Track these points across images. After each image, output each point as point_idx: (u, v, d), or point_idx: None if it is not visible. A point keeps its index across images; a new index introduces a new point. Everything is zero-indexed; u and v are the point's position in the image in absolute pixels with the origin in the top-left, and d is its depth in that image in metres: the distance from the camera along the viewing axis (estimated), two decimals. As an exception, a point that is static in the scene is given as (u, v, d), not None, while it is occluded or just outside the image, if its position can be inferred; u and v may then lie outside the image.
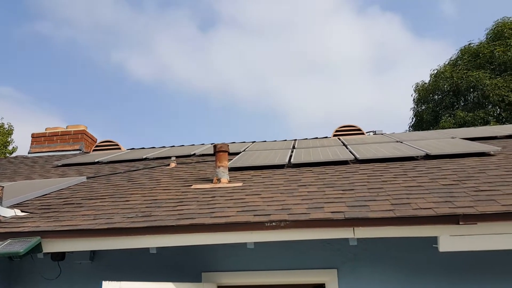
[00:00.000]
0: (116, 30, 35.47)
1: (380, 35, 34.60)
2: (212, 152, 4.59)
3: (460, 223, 2.74)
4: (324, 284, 3.37)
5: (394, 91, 35.38)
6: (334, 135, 8.80)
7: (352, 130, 8.74)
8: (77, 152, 8.95)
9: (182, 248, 3.37)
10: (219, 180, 4.38)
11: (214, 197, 3.79)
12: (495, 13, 32.36)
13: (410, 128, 18.21)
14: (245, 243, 3.00)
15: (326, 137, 8.81)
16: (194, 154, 7.19)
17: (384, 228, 2.86)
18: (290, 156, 5.96)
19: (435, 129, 14.35)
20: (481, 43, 16.26)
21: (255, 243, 3.00)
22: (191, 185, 4.46)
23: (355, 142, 7.17)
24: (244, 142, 8.86)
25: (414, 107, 18.13)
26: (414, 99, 18.11)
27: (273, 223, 2.82)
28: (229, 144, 8.45)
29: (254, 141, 8.80)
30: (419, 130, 16.57)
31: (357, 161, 5.53)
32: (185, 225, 2.93)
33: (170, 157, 6.53)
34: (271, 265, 3.38)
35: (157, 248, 3.19)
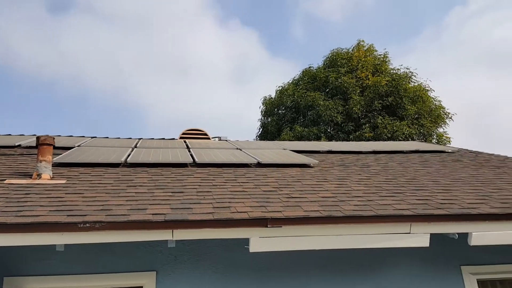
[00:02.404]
0: None
1: (240, 47, 36.27)
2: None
3: (268, 225, 3.03)
4: (142, 287, 3.34)
5: (248, 101, 37.42)
6: (181, 138, 8.86)
7: (198, 134, 8.94)
8: None
9: (-21, 251, 2.95)
10: (39, 176, 3.99)
11: (28, 194, 3.43)
12: (333, 42, 37.02)
13: (257, 137, 19.48)
14: (55, 245, 2.78)
15: (174, 138, 8.82)
16: (19, 145, 6.39)
17: (202, 230, 2.98)
18: (129, 155, 5.78)
19: (278, 140, 15.65)
20: (319, 68, 18.43)
21: (66, 245, 2.81)
22: (5, 180, 3.96)
23: (198, 146, 7.34)
24: (83, 136, 8.26)
25: (261, 119, 19.49)
26: (261, 111, 19.47)
27: (87, 224, 2.69)
28: (65, 138, 7.78)
29: (95, 137, 8.27)
30: (264, 140, 17.85)
31: (195, 164, 5.67)
32: (-19, 225, 2.58)
33: (-15, 147, 5.67)
34: (86, 268, 3.21)
35: None
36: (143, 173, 4.81)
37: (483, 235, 3.30)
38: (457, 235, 3.32)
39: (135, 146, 6.88)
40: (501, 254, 3.82)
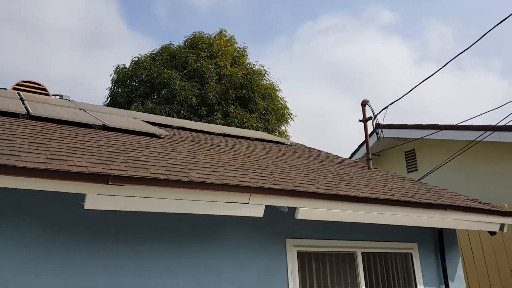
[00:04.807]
0: None
1: (96, 10, 33.08)
2: None
3: (109, 183, 2.86)
4: None
5: (96, 68, 34.52)
6: (14, 89, 7.69)
7: (36, 88, 7.88)
8: None
9: None
10: None
11: None
12: (196, 28, 37.02)
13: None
14: None
15: (5, 89, 7.60)
16: None
17: (32, 180, 2.65)
18: None
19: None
20: (179, 47, 18.17)
21: None
22: None
23: (35, 100, 6.50)
24: None
25: (111, 88, 18.28)
26: (112, 80, 18.26)
27: None
28: None
29: None
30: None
31: (29, 116, 5.01)
32: None
33: None
34: None
35: None
36: (-42, 115, 4.03)
37: (308, 210, 3.74)
38: (287, 209, 3.68)
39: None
40: (318, 230, 4.39)
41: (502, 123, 7.17)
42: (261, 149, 6.86)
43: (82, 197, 2.89)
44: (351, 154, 12.11)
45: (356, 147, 12.15)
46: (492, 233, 5.09)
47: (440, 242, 5.09)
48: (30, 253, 3.00)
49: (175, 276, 3.51)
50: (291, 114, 18.83)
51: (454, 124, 9.21)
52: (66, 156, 3.19)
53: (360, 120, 6.77)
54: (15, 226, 3.00)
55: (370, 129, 7.47)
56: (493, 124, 8.03)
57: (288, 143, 8.73)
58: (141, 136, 5.32)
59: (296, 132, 33.72)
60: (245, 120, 16.40)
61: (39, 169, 2.66)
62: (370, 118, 6.67)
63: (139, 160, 3.62)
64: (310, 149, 8.56)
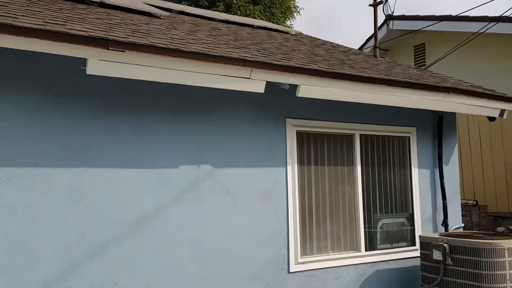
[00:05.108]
0: None
1: None
2: None
3: (110, 48, 2.83)
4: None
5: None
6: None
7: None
8: None
9: None
10: None
11: None
12: None
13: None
14: None
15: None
16: None
17: (31, 41, 2.62)
18: None
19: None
20: None
21: None
22: None
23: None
24: None
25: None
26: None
27: None
28: None
29: None
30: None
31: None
32: None
33: None
34: None
35: None
36: None
37: (309, 88, 3.74)
38: (288, 86, 3.68)
39: None
40: (318, 112, 4.44)
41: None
42: (264, 36, 6.65)
43: (83, 63, 2.89)
44: (359, 48, 11.79)
45: (364, 41, 11.78)
46: (492, 119, 5.15)
47: (439, 128, 5.19)
48: (32, 115, 3.09)
49: (176, 145, 3.64)
50: (297, 7, 17.93)
51: (468, 15, 8.81)
52: (64, 22, 3.11)
53: (370, 5, 6.44)
54: (18, 89, 3.05)
55: (380, 20, 7.18)
56: (508, 16, 7.66)
57: (293, 33, 8.45)
58: (140, 15, 5.13)
59: (302, 28, 32.46)
60: (248, 12, 15.67)
61: (38, 29, 2.61)
62: (380, 2, 6.33)
63: (139, 32, 3.54)
64: (316, 39, 8.30)
